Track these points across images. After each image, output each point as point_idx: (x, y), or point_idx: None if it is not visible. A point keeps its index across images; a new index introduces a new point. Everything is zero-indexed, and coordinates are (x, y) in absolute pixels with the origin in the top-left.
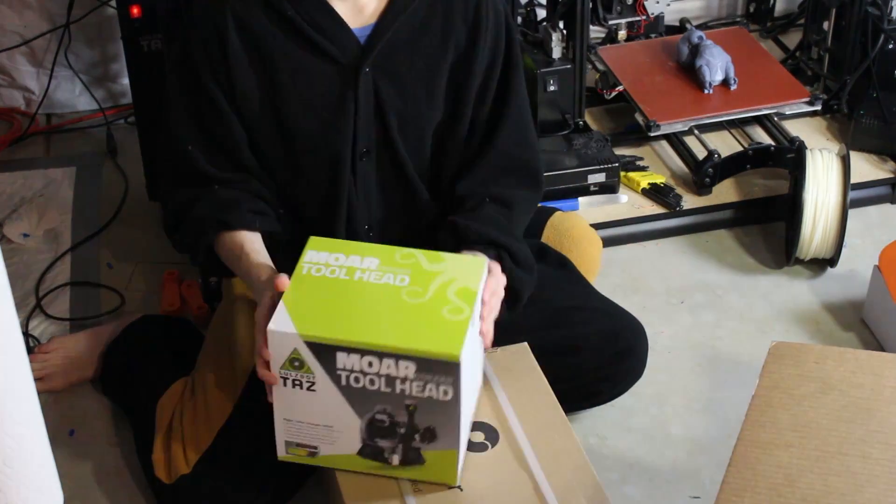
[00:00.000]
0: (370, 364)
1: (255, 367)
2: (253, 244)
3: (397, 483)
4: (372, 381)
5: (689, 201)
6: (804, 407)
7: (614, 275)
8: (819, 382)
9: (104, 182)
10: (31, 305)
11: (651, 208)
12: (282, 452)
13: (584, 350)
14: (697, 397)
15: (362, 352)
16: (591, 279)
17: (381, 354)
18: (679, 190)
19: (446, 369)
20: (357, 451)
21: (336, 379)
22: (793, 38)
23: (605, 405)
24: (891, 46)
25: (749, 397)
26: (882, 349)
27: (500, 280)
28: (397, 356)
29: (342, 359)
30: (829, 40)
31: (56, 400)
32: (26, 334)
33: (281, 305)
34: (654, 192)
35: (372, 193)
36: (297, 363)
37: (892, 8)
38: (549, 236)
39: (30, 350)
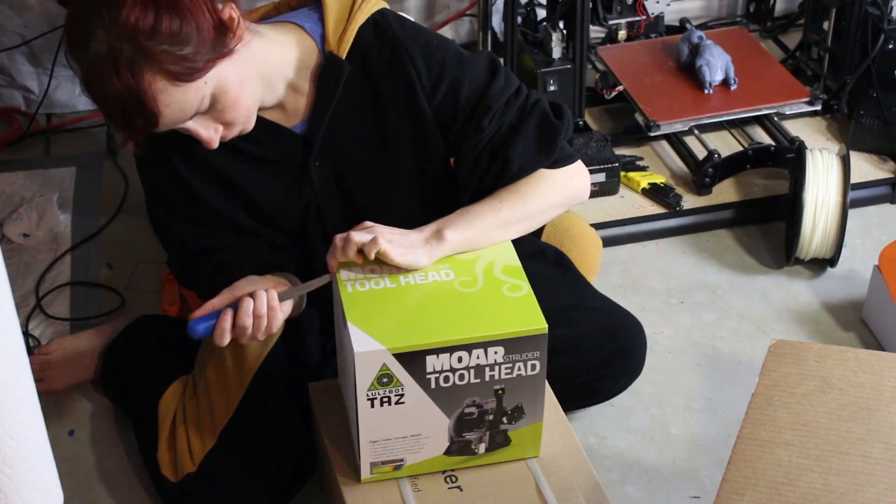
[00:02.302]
0: (459, 360)
1: (260, 364)
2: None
3: (397, 483)
4: (461, 377)
5: (689, 201)
6: (804, 406)
7: (614, 275)
8: (819, 381)
9: (104, 182)
10: (31, 305)
11: (651, 208)
12: (366, 474)
13: (583, 349)
14: (697, 397)
15: (451, 349)
16: (591, 278)
17: (469, 347)
18: (679, 190)
19: (535, 343)
20: (444, 452)
21: (426, 384)
22: (793, 38)
23: (605, 405)
24: (891, 46)
25: (749, 397)
26: (882, 349)
27: None
28: (486, 344)
29: (432, 362)
30: (829, 40)
31: (56, 400)
32: (26, 334)
33: (353, 327)
34: (654, 192)
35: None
36: (385, 379)
37: (892, 8)
38: (548, 235)
39: (30, 350)
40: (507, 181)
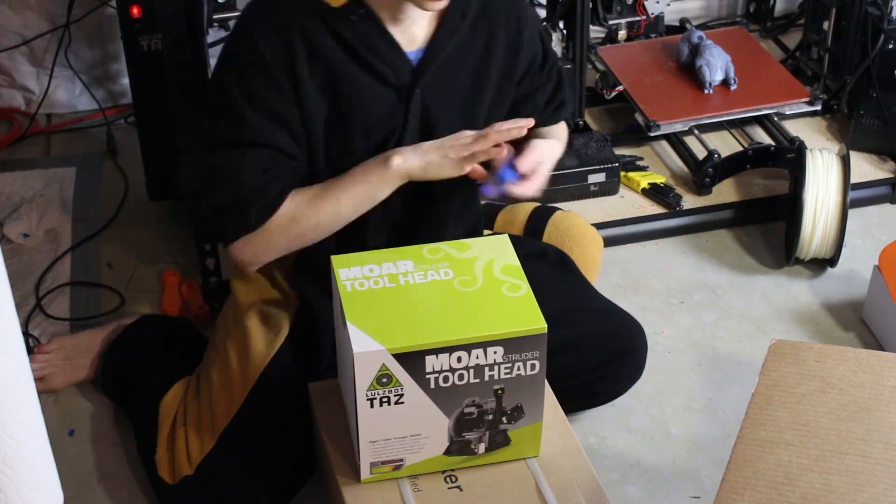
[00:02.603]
0: (459, 360)
1: (266, 366)
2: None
3: (397, 483)
4: (461, 377)
5: (689, 201)
6: (804, 405)
7: (614, 275)
8: (819, 381)
9: (104, 182)
10: (31, 305)
11: (651, 208)
12: (366, 475)
13: (583, 350)
14: (697, 397)
15: (451, 349)
16: (592, 278)
17: (469, 347)
18: (679, 190)
19: (534, 343)
20: (444, 452)
21: (425, 384)
22: (793, 38)
23: (605, 405)
24: (891, 46)
25: (749, 397)
26: (882, 349)
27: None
28: (485, 344)
29: (431, 362)
30: (829, 40)
31: (56, 400)
32: (26, 334)
33: (352, 327)
34: (654, 192)
35: (398, 208)
36: (384, 380)
37: (892, 8)
38: (550, 235)
39: (30, 350)
40: (556, 120)
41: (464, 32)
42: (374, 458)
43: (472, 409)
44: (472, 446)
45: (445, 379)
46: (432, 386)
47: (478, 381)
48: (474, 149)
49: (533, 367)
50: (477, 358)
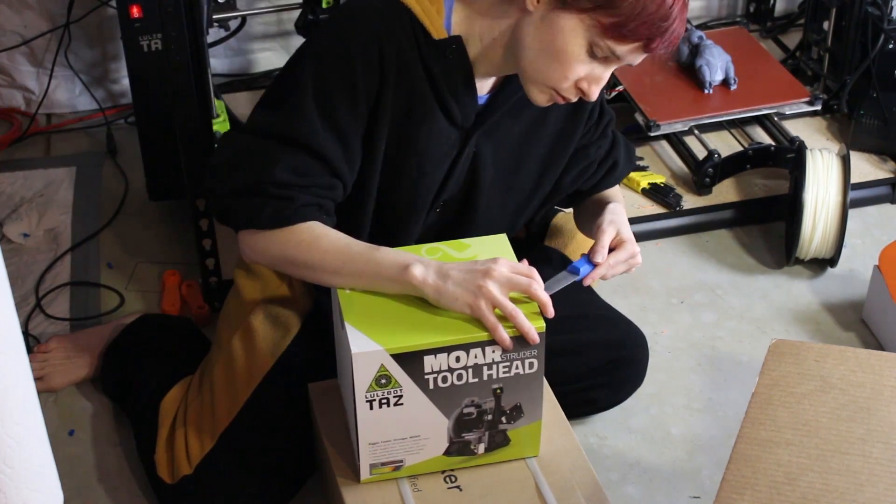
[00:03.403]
0: (457, 359)
1: (270, 369)
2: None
3: (397, 483)
4: (459, 377)
5: (689, 201)
6: (804, 405)
7: None
8: (819, 381)
9: (104, 182)
10: (31, 305)
11: (651, 208)
12: (365, 475)
13: (584, 356)
14: (697, 397)
15: (449, 349)
16: None
17: (467, 346)
18: (679, 190)
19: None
20: (443, 452)
21: (424, 384)
22: (793, 38)
23: None
24: (891, 46)
25: (749, 397)
26: (882, 349)
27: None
28: (483, 343)
29: (430, 362)
30: (829, 40)
31: (56, 400)
32: (26, 334)
33: (350, 328)
34: (654, 192)
35: (428, 237)
36: (383, 380)
37: (892, 8)
38: (553, 239)
39: (30, 350)
40: (610, 183)
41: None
42: (373, 460)
43: (472, 410)
44: (472, 447)
45: (444, 379)
46: (431, 386)
47: (476, 380)
48: (497, 302)
49: (531, 365)
50: (475, 357)
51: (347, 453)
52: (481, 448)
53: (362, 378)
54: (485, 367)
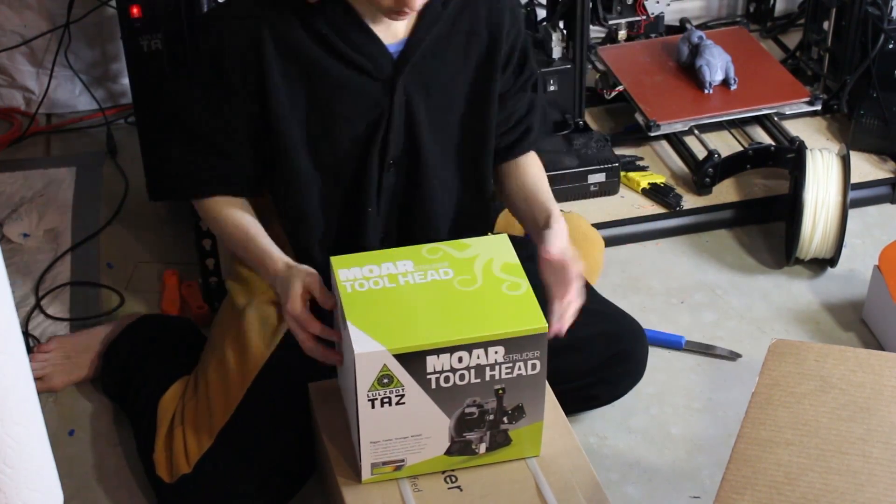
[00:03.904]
0: (460, 360)
1: (262, 368)
2: (258, 229)
3: (397, 483)
4: (462, 377)
5: (689, 201)
6: (804, 405)
7: (614, 275)
8: (819, 381)
9: (104, 182)
10: (31, 305)
11: (651, 208)
12: (367, 475)
13: (583, 352)
14: (697, 397)
15: (452, 349)
16: (594, 280)
17: (470, 347)
18: (679, 190)
19: (535, 342)
20: (444, 452)
21: (426, 384)
22: (793, 38)
23: (605, 405)
24: (891, 46)
25: (749, 397)
26: (882, 349)
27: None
28: (486, 344)
29: (432, 362)
30: (829, 40)
31: (56, 400)
32: (26, 334)
33: (353, 328)
34: (654, 192)
35: (392, 205)
36: (386, 380)
37: (892, 8)
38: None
39: (30, 350)
40: (523, 149)
41: (445, 23)
42: (374, 459)
43: (473, 409)
44: (473, 446)
45: (446, 379)
46: (433, 386)
47: (479, 380)
48: (300, 337)
49: (534, 366)
50: (478, 358)
51: (348, 453)
52: (482, 448)
53: (364, 378)
54: (487, 368)
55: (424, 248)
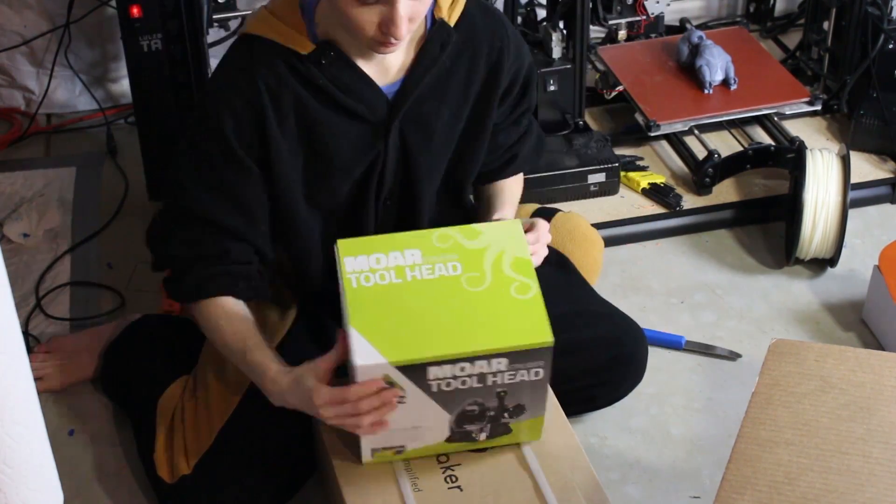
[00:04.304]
0: (462, 369)
1: None
2: (258, 339)
3: (397, 483)
4: (464, 382)
5: (689, 201)
6: (804, 405)
7: (614, 275)
8: (819, 381)
9: (104, 182)
10: (31, 305)
11: (651, 208)
12: (367, 458)
13: (584, 354)
14: (697, 397)
15: (454, 361)
16: (593, 280)
17: (472, 359)
18: (679, 190)
19: (539, 355)
20: (445, 440)
21: (427, 388)
22: (793, 38)
23: None
24: (891, 46)
25: (749, 397)
26: (882, 349)
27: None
28: (489, 356)
29: (434, 371)
30: (829, 40)
31: (56, 400)
32: (26, 334)
33: (356, 334)
34: (654, 192)
35: (387, 229)
36: (387, 384)
37: (892, 8)
38: (550, 237)
39: (30, 350)
40: (503, 176)
41: (444, 64)
42: (374, 445)
43: (474, 408)
44: (474, 435)
45: (448, 384)
46: (434, 390)
47: (480, 385)
48: (335, 422)
49: (537, 374)
50: (481, 367)
51: (348, 454)
52: (483, 436)
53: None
54: (489, 375)
55: (435, 235)
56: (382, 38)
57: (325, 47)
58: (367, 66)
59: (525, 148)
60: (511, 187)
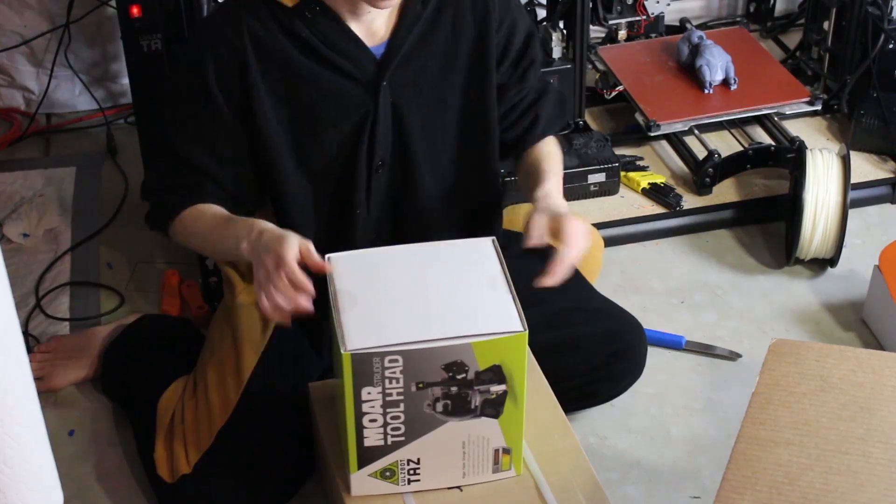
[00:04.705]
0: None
1: (258, 367)
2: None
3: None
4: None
5: (689, 201)
6: (804, 405)
7: (614, 275)
8: (819, 381)
9: (104, 182)
10: (31, 305)
11: (651, 208)
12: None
13: (583, 350)
14: (697, 397)
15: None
16: (593, 279)
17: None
18: (679, 190)
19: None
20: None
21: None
22: (793, 38)
23: (605, 405)
24: (891, 46)
25: (749, 397)
26: (882, 349)
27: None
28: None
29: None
30: (829, 40)
31: (56, 400)
32: (26, 334)
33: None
34: (654, 192)
35: (384, 206)
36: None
37: (892, 8)
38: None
39: (29, 350)
40: (532, 139)
41: (427, 20)
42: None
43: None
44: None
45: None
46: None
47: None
48: (263, 278)
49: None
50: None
51: None
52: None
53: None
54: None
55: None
56: None
57: (310, 1)
58: (354, 24)
59: (545, 107)
60: (549, 154)
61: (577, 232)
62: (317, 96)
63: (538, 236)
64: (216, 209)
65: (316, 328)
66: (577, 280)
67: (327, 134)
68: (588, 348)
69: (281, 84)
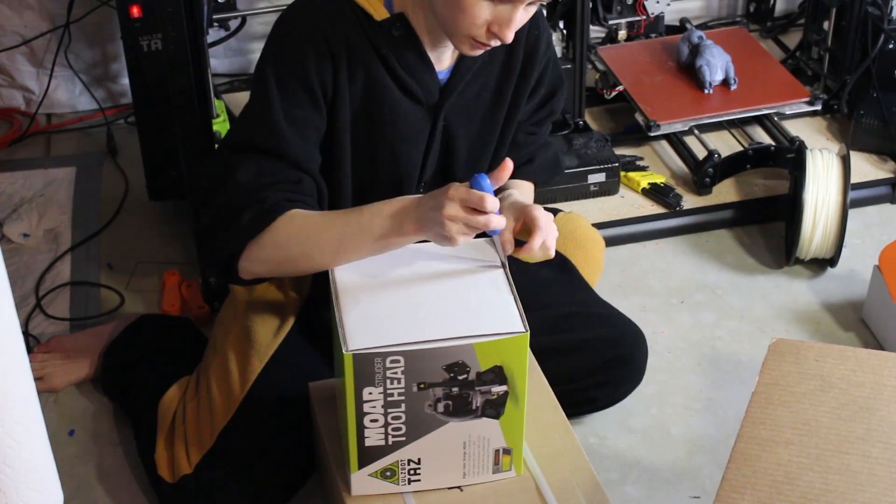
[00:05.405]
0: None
1: (262, 369)
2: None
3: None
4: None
5: (689, 201)
6: (804, 405)
7: (614, 275)
8: (819, 380)
9: (104, 182)
10: (31, 305)
11: (651, 208)
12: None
13: (583, 355)
14: (697, 397)
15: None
16: (594, 281)
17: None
18: (679, 190)
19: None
20: None
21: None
22: (793, 38)
23: None
24: (891, 46)
25: (749, 397)
26: (882, 349)
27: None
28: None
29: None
30: (829, 40)
31: (56, 400)
32: (26, 334)
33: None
34: (654, 192)
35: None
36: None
37: (892, 8)
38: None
39: (29, 350)
40: (518, 175)
41: (488, 50)
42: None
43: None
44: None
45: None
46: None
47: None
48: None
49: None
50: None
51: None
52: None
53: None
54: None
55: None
56: (485, 39)
57: (396, 19)
58: (430, 49)
59: (543, 157)
60: (521, 184)
61: (542, 218)
62: (384, 113)
63: (508, 240)
64: (311, 212)
65: (327, 338)
66: (578, 284)
67: (384, 150)
68: (588, 353)
69: (358, 94)
